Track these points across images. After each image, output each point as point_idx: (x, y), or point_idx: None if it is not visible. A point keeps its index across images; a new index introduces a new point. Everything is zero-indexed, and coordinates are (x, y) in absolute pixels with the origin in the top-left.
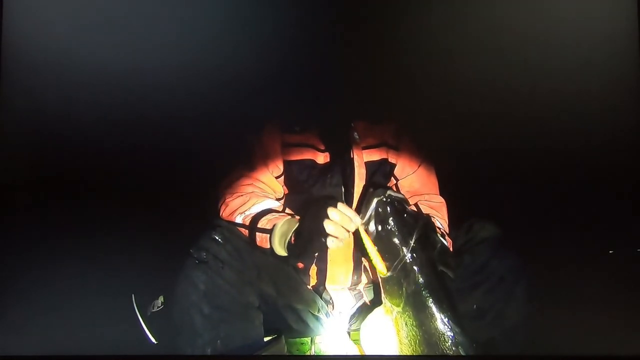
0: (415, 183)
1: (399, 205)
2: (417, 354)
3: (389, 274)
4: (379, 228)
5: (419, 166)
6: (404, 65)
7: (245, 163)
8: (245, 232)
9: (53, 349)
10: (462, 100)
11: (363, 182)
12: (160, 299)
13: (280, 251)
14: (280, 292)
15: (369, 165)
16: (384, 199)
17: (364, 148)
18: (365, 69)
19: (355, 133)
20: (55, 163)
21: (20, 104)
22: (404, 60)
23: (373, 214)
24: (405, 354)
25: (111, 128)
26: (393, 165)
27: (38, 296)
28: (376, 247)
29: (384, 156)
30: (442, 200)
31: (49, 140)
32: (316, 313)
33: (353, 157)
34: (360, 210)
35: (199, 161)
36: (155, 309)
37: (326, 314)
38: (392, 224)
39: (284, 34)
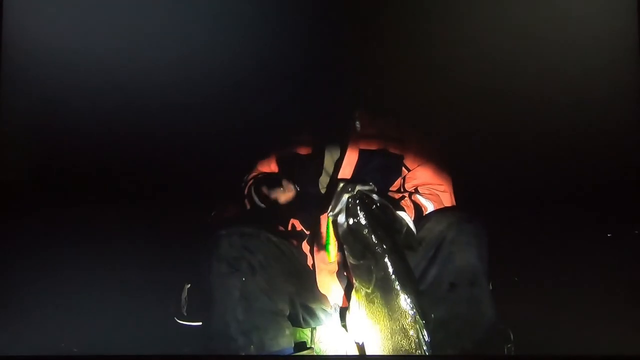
0: (424, 176)
1: (367, 199)
2: (385, 327)
3: (333, 260)
4: (350, 222)
5: (424, 161)
6: (410, 59)
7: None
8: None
9: (53, 349)
10: (462, 97)
11: (350, 173)
12: (184, 296)
13: None
14: (300, 294)
15: (368, 155)
16: (354, 194)
17: (366, 138)
18: (369, 61)
19: (357, 123)
20: (56, 162)
21: (21, 104)
22: (410, 53)
23: (343, 207)
24: (371, 327)
25: (113, 127)
26: (398, 157)
27: (38, 296)
28: (336, 240)
29: (386, 147)
30: (445, 189)
31: (50, 140)
32: (328, 310)
33: (348, 147)
34: (331, 201)
35: (201, 160)
36: (186, 307)
37: (335, 309)
38: (362, 216)
39: (286, 27)
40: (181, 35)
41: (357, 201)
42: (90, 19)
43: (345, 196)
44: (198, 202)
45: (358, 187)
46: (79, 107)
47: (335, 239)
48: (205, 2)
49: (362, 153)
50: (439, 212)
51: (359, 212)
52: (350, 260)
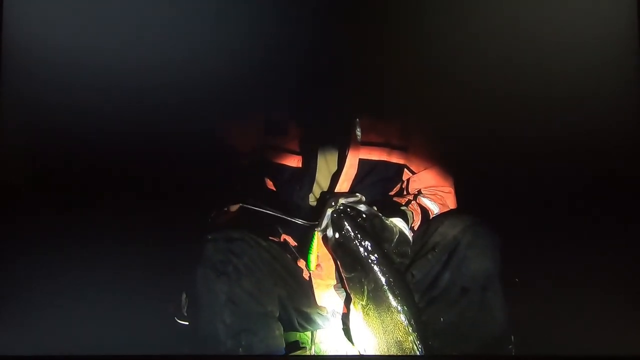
0: (427, 179)
1: (351, 211)
2: (381, 340)
3: (312, 269)
4: (337, 235)
5: (428, 165)
6: (411, 61)
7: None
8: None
9: (53, 349)
10: (463, 99)
11: (349, 183)
12: (183, 297)
13: None
14: (293, 298)
15: (368, 166)
16: (337, 209)
17: (367, 146)
18: (370, 65)
19: (358, 130)
20: (56, 163)
21: (21, 104)
22: (411, 56)
23: (329, 222)
24: (370, 339)
25: (115, 128)
26: (400, 166)
27: (38, 296)
28: (317, 252)
29: (388, 156)
30: (450, 190)
31: (50, 140)
32: (324, 314)
33: (347, 158)
34: (319, 215)
35: (202, 162)
36: (186, 308)
37: (333, 314)
38: (347, 229)
39: (288, 30)
40: (181, 35)
41: (341, 214)
42: (92, 19)
43: (329, 210)
44: (200, 203)
45: (341, 200)
46: (80, 108)
47: (318, 248)
48: (203, 2)
49: (362, 164)
50: (453, 216)
51: (344, 225)
52: (343, 273)
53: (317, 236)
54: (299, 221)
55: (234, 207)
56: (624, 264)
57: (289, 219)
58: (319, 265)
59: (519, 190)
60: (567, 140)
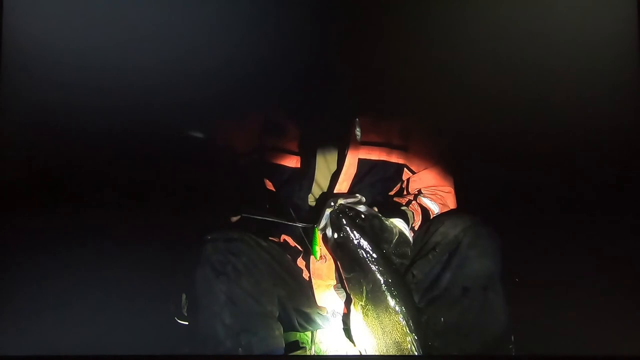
0: (428, 178)
1: (350, 212)
2: (380, 341)
3: (318, 259)
4: (335, 236)
5: (428, 165)
6: (411, 61)
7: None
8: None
9: (53, 349)
10: (463, 99)
11: (349, 182)
12: (184, 297)
13: None
14: (292, 298)
15: (367, 166)
16: (336, 209)
17: (366, 146)
18: (369, 65)
19: (358, 129)
20: (57, 163)
21: (21, 104)
22: (411, 55)
23: (328, 222)
24: (369, 339)
25: (115, 128)
26: (400, 166)
27: (38, 296)
28: (320, 245)
29: (387, 155)
30: (450, 190)
31: (50, 140)
32: (324, 314)
33: (347, 157)
34: (319, 214)
35: (201, 162)
36: (186, 308)
37: (333, 314)
38: (346, 230)
39: (288, 30)
40: (181, 35)
41: (340, 215)
42: (92, 19)
43: (328, 211)
44: (199, 203)
45: (340, 201)
46: (80, 108)
47: (320, 240)
48: (203, 2)
49: (361, 163)
50: (453, 216)
51: (343, 225)
52: (342, 274)
53: (318, 238)
54: (299, 224)
55: (235, 218)
56: (624, 264)
57: (289, 223)
58: (323, 257)
59: (519, 190)
60: (567, 140)
